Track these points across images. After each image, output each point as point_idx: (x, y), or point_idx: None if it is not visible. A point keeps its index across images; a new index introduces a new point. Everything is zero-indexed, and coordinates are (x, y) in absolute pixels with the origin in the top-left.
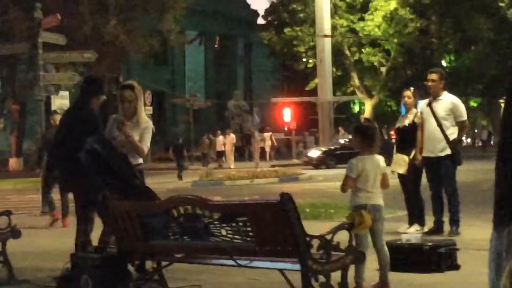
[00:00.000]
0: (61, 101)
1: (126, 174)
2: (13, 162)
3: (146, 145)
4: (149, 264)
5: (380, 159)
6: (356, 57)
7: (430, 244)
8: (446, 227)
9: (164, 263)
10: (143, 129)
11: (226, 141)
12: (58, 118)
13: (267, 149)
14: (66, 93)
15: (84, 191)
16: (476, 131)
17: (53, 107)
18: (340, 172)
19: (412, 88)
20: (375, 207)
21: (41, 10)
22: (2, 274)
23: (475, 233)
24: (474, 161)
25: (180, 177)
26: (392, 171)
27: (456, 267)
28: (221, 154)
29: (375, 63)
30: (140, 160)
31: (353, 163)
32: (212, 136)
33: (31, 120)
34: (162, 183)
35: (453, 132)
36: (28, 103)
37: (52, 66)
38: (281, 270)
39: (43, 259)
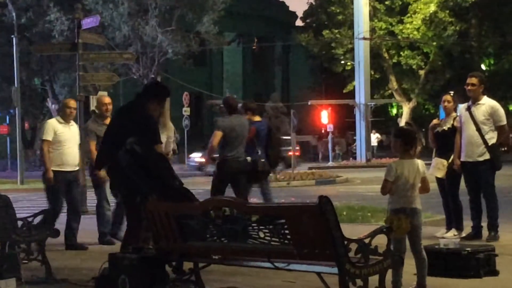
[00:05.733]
0: None
1: (165, 175)
2: None
3: (168, 151)
4: (186, 265)
5: (420, 163)
6: (395, 59)
7: (468, 249)
8: (484, 232)
9: (201, 265)
10: (169, 137)
11: None
12: None
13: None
14: (105, 93)
15: (125, 192)
16: None
17: (92, 107)
18: (376, 175)
19: (452, 92)
20: (413, 211)
21: (81, 11)
22: (40, 273)
23: None
24: None
25: None
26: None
27: (494, 273)
28: None
29: (414, 66)
30: None
31: (392, 167)
32: None
33: None
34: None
35: (492, 137)
36: None
37: (91, 67)
38: (318, 274)
39: (81, 259)
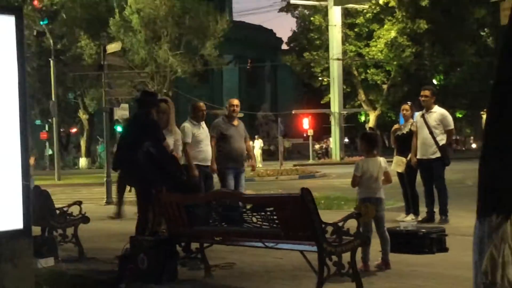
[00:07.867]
0: (122, 112)
1: (175, 171)
2: (83, 161)
3: (178, 153)
4: (193, 245)
5: (382, 160)
6: (363, 76)
7: (423, 230)
8: (437, 216)
9: (205, 245)
10: (177, 140)
11: (254, 145)
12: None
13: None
14: (126, 105)
15: (143, 186)
16: (458, 137)
17: (115, 117)
18: (349, 170)
19: (409, 103)
20: (378, 200)
21: (106, 38)
22: (74, 253)
23: (461, 222)
24: (460, 162)
25: None
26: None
27: (445, 249)
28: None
29: (378, 81)
30: None
31: (359, 164)
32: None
33: (98, 127)
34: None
35: (442, 139)
36: (95, 113)
37: (114, 83)
38: (301, 251)
39: (108, 241)
